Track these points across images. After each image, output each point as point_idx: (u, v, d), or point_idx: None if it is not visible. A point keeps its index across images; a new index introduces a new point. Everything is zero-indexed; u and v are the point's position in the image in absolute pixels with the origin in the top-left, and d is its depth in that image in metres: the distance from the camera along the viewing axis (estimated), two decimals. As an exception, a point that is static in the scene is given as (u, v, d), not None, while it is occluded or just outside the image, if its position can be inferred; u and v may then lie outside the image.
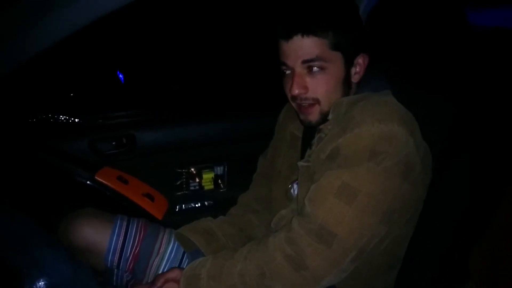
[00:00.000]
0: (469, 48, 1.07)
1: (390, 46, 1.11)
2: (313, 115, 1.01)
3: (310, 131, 1.11)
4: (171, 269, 1.06)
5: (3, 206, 0.95)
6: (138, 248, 1.22)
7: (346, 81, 1.01)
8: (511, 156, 0.93)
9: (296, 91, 0.98)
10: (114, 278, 1.23)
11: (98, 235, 1.19)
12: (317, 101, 0.99)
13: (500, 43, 1.13)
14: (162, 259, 1.23)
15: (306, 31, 0.94)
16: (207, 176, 1.78)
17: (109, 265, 1.21)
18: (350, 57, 0.99)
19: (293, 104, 1.04)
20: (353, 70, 1.01)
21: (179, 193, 1.76)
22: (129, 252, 1.21)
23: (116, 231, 1.21)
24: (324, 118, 1.01)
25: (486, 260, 0.84)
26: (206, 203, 1.79)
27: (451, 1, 1.09)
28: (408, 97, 0.99)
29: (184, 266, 1.09)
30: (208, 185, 1.79)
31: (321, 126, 1.03)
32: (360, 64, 1.02)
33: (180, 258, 1.25)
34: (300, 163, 1.04)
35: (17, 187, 1.37)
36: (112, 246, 1.20)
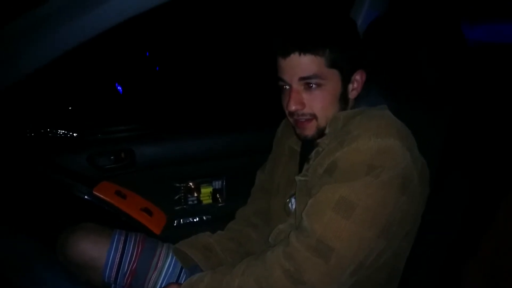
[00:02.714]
0: (465, 63, 1.08)
1: (387, 62, 1.12)
2: (309, 130, 1.02)
3: (308, 145, 1.11)
4: (168, 284, 1.05)
5: (3, 227, 0.95)
6: (135, 263, 1.21)
7: (343, 97, 1.02)
8: (508, 170, 0.93)
9: (293, 107, 0.99)
10: (112, 293, 1.22)
11: (96, 250, 1.19)
12: (314, 116, 1.00)
13: (495, 58, 1.14)
14: (159, 274, 1.22)
15: (303, 50, 0.95)
16: (206, 191, 1.78)
17: (106, 280, 1.20)
18: (347, 74, 1.00)
19: (290, 120, 1.05)
20: (350, 86, 1.02)
21: (177, 208, 1.75)
22: (126, 267, 1.20)
23: (114, 246, 1.20)
24: (320, 132, 1.02)
25: (485, 269, 0.84)
26: (204, 217, 1.78)
27: (447, 16, 1.10)
28: (404, 111, 1.00)
29: (182, 281, 1.08)
30: (206, 200, 1.78)
31: (319, 141, 1.03)
32: (357, 80, 1.03)
33: (178, 273, 1.24)
34: (298, 178, 1.04)
35: (15, 201, 1.36)
36: (110, 261, 1.19)
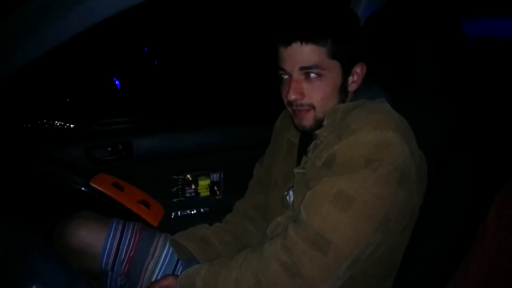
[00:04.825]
0: (464, 60, 1.08)
1: (386, 55, 1.11)
2: (307, 120, 1.02)
3: (306, 138, 1.11)
4: (165, 276, 1.05)
5: None
6: (133, 251, 1.21)
7: (343, 89, 1.01)
8: (506, 166, 0.93)
9: (292, 97, 0.98)
10: (108, 281, 1.22)
11: (93, 237, 1.19)
12: (312, 107, 1.00)
13: (495, 55, 1.14)
14: (156, 263, 1.22)
15: (305, 39, 0.95)
16: (203, 183, 1.78)
17: (103, 267, 1.20)
18: (347, 66, 1.00)
19: (289, 109, 1.05)
20: (350, 79, 1.02)
21: (175, 200, 1.75)
22: (124, 254, 1.20)
23: (112, 233, 1.20)
24: (318, 124, 1.02)
25: (482, 264, 0.84)
26: (202, 210, 1.78)
27: (447, 11, 1.10)
28: (404, 111, 1.00)
29: (179, 272, 1.08)
30: (204, 192, 1.78)
31: (317, 133, 1.03)
32: (357, 73, 1.02)
33: (175, 263, 1.24)
34: (296, 170, 1.04)
35: (12, 193, 1.36)
36: (107, 248, 1.19)
